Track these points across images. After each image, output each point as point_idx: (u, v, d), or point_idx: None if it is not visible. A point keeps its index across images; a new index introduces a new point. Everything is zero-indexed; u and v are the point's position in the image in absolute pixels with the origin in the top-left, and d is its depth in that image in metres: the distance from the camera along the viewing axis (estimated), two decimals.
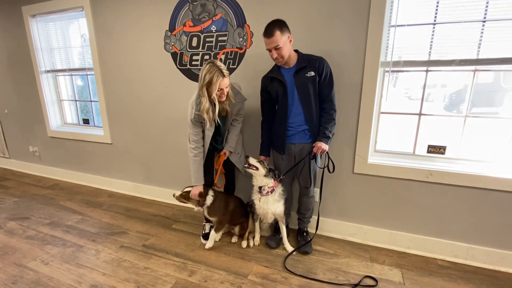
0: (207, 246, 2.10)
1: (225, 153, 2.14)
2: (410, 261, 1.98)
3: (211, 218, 2.11)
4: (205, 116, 1.85)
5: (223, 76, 1.77)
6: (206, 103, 1.83)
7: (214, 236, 2.12)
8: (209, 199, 2.04)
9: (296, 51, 1.88)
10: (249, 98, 2.14)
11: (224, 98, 1.87)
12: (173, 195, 2.10)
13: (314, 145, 1.89)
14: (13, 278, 1.81)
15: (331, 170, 1.99)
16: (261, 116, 2.11)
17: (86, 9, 2.77)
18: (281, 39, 1.71)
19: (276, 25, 1.70)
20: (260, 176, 1.93)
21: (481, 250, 1.93)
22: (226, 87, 1.82)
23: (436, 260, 2.00)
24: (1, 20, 3.33)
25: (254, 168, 1.91)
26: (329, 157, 2.00)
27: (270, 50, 1.77)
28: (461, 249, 1.97)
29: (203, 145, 2.04)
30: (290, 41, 1.78)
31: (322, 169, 2.04)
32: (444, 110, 2.00)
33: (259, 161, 1.94)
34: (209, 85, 1.77)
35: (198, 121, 1.93)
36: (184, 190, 2.07)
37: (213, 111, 1.88)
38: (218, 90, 1.79)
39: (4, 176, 3.76)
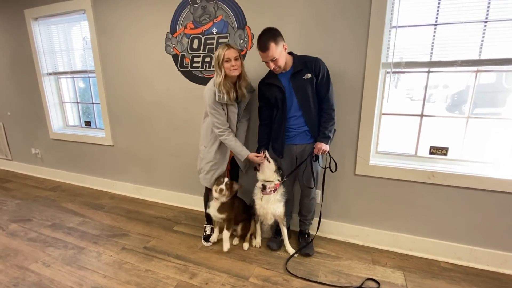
0: (225, 249, 2.08)
1: None
2: (412, 263, 1.97)
3: (220, 215, 2.07)
4: (223, 90, 1.87)
5: (229, 47, 1.84)
6: (219, 78, 1.87)
7: (228, 235, 2.11)
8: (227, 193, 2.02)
9: (290, 53, 1.87)
10: (250, 100, 2.14)
11: (235, 71, 1.88)
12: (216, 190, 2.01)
13: (315, 146, 1.89)
14: (14, 280, 1.81)
15: (333, 169, 1.99)
16: (259, 121, 2.11)
17: (87, 12, 2.78)
18: (276, 50, 1.69)
19: (269, 37, 1.67)
20: (270, 170, 1.94)
21: (484, 252, 1.91)
22: (235, 59, 1.85)
23: (439, 262, 1.98)
24: (3, 23, 3.36)
25: (268, 162, 1.93)
26: (331, 157, 1.99)
27: (266, 62, 1.76)
28: (464, 251, 1.95)
29: (230, 127, 2.03)
30: (285, 49, 1.76)
31: (324, 170, 2.03)
32: (446, 111, 1.99)
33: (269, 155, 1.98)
34: (218, 59, 1.85)
35: (219, 102, 1.93)
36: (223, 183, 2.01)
37: (228, 89, 1.90)
38: (226, 62, 1.84)
39: (7, 178, 3.77)
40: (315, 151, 1.89)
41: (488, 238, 1.90)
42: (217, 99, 1.90)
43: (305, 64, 1.81)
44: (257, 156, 1.95)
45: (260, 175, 1.99)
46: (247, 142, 2.33)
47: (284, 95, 1.86)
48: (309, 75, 1.80)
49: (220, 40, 2.30)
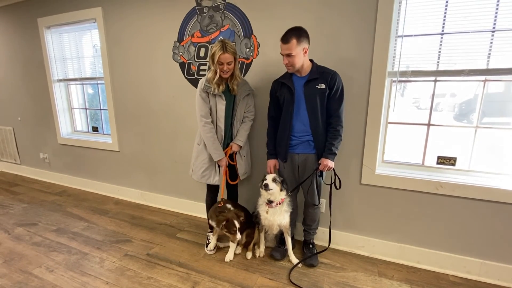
0: (226, 259, 2.07)
1: (231, 147, 2.13)
2: (420, 277, 1.91)
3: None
4: (211, 84, 1.95)
5: (225, 50, 1.84)
6: (209, 74, 1.95)
7: (234, 246, 2.10)
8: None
9: (311, 61, 1.88)
10: (255, 107, 2.15)
11: (225, 74, 1.93)
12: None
13: (320, 162, 1.87)
14: (17, 285, 1.82)
15: (337, 186, 1.97)
16: (267, 122, 2.08)
17: (98, 21, 2.86)
18: (296, 48, 1.71)
19: (295, 33, 1.71)
20: (276, 193, 1.90)
21: (495, 266, 1.85)
22: (228, 63, 1.88)
23: (448, 276, 1.92)
24: (18, 30, 3.47)
25: (271, 190, 1.87)
26: (335, 174, 1.97)
27: (283, 55, 1.78)
28: (474, 264, 1.89)
29: (213, 122, 2.06)
30: (305, 52, 1.77)
31: (330, 186, 2.00)
32: (454, 120, 1.97)
33: (273, 179, 1.89)
34: (213, 57, 1.88)
35: (205, 92, 1.98)
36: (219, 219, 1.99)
37: (219, 83, 1.95)
38: (219, 64, 1.87)
39: (15, 182, 3.83)
40: (321, 167, 1.87)
41: (499, 251, 1.84)
42: (203, 87, 1.97)
43: (321, 74, 1.81)
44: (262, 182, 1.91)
45: (264, 193, 1.93)
46: (253, 142, 2.34)
47: (293, 97, 1.86)
48: (323, 86, 1.80)
49: None
